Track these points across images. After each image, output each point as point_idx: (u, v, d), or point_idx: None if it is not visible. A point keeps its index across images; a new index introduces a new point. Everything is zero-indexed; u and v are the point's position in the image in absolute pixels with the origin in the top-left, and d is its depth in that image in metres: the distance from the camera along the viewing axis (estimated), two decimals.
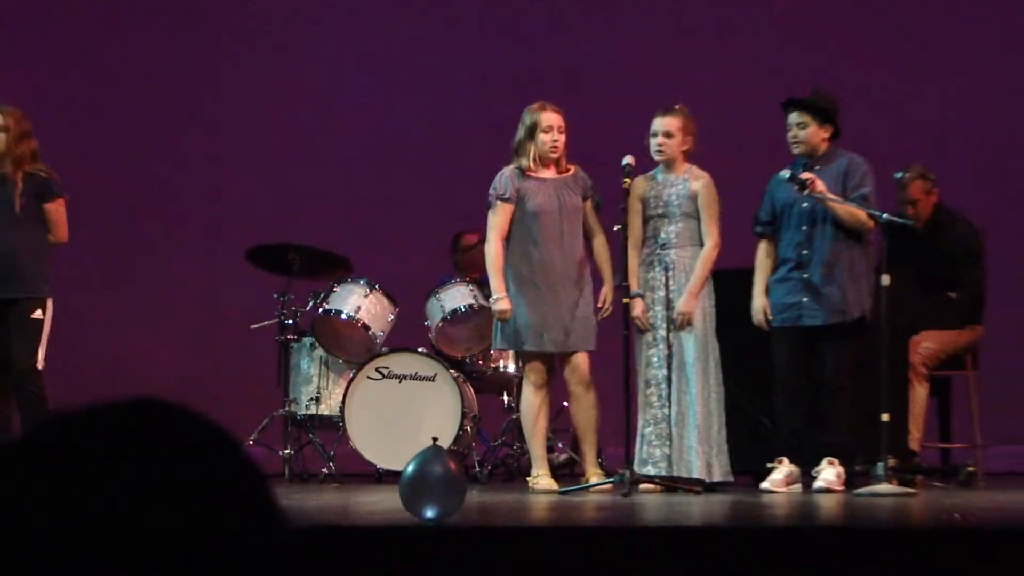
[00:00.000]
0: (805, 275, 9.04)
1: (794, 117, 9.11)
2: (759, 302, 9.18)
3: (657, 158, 9.25)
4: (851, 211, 8.95)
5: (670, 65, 11.92)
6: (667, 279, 9.17)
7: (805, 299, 9.04)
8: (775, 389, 9.17)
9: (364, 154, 12.35)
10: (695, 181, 9.21)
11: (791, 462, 9.02)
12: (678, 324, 9.09)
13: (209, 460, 1.37)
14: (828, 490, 8.79)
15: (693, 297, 9.09)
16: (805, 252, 9.06)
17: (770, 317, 9.13)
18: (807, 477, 9.01)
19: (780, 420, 9.16)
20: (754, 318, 9.18)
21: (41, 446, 1.36)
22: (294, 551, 1.37)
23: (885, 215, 9.07)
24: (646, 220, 9.24)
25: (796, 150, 9.10)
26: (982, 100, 12.06)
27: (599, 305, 9.33)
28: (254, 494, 1.37)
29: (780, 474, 8.97)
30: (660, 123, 9.24)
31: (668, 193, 9.21)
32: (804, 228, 9.06)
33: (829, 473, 8.90)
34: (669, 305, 9.14)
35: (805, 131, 9.07)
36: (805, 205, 9.04)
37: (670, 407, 9.07)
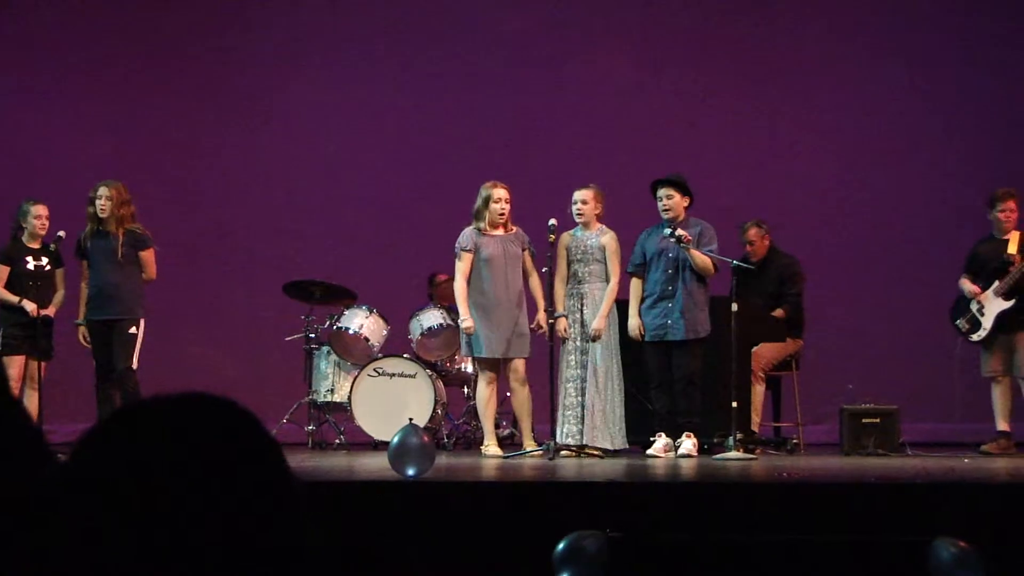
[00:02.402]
0: (669, 304, 9.08)
1: (664, 192, 9.17)
2: (634, 322, 9.19)
3: (577, 220, 9.27)
4: (705, 260, 9.01)
5: (593, 154, 11.92)
6: (582, 306, 9.19)
7: (669, 321, 9.07)
8: (651, 384, 9.20)
9: (367, 215, 12.29)
10: (604, 236, 9.23)
11: (666, 435, 9.04)
12: (591, 338, 9.10)
13: (239, 431, 1.38)
14: (688, 455, 8.81)
15: (603, 319, 9.10)
16: (669, 288, 9.10)
17: (643, 332, 9.16)
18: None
19: (656, 405, 9.18)
20: (630, 333, 9.19)
21: (128, 421, 1.37)
22: (300, 495, 1.38)
23: (735, 261, 9.12)
24: (569, 263, 9.27)
25: (667, 215, 9.14)
26: (816, 168, 12.10)
27: (535, 324, 9.34)
28: (270, 455, 1.38)
29: (660, 443, 8.99)
30: (579, 195, 9.28)
31: (586, 245, 9.23)
32: (669, 271, 9.11)
33: (688, 444, 8.93)
34: (584, 324, 9.15)
35: (672, 201, 9.13)
36: (670, 255, 9.09)
37: (582, 397, 9.08)
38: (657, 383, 9.14)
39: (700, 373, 9.04)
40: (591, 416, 9.02)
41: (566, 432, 9.03)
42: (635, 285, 9.28)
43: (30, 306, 9.42)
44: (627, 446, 9.14)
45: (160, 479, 1.29)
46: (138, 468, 1.30)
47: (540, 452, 8.81)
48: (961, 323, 9.78)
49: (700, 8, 12.51)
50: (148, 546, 1.27)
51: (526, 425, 9.35)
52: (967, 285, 9.78)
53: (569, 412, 9.07)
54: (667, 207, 9.13)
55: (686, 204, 9.17)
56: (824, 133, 12.24)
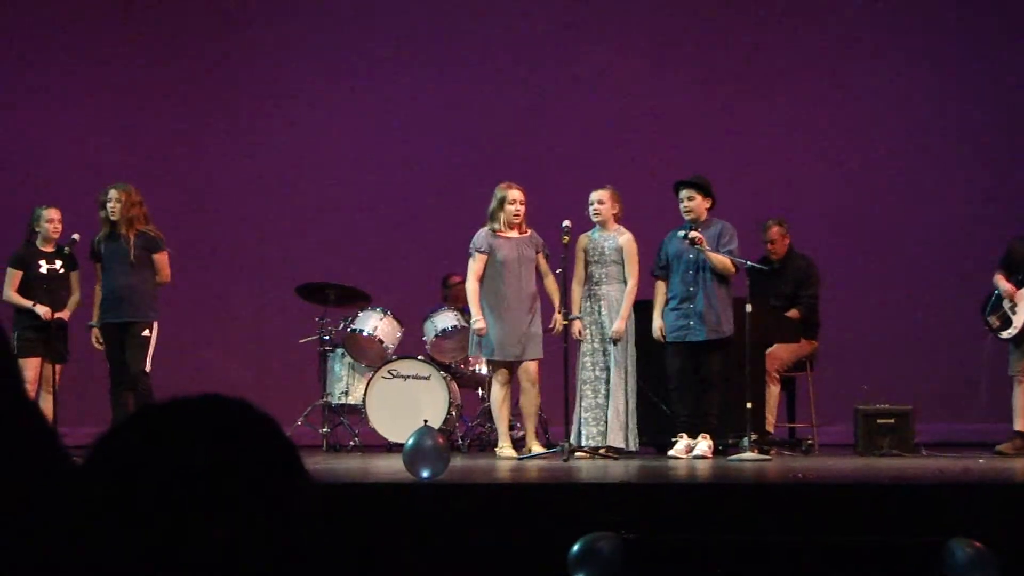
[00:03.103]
0: (691, 305, 9.08)
1: (685, 193, 9.17)
2: (657, 323, 9.20)
3: (594, 219, 9.28)
4: (722, 261, 9.01)
5: (607, 154, 11.92)
6: (600, 308, 9.20)
7: (692, 322, 9.07)
8: (669, 386, 9.20)
9: (380, 217, 12.32)
10: (621, 237, 9.24)
11: (687, 436, 9.04)
12: (612, 341, 9.11)
13: (256, 434, 1.39)
14: (703, 457, 8.84)
15: (623, 321, 9.12)
16: (691, 289, 9.10)
17: (664, 334, 9.16)
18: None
19: (674, 408, 9.18)
20: (654, 334, 9.20)
21: (146, 423, 1.38)
22: (315, 494, 1.39)
23: (748, 262, 9.12)
24: (587, 264, 9.28)
25: (688, 217, 9.15)
26: (831, 169, 12.08)
27: (550, 326, 9.34)
28: (288, 457, 1.40)
29: (681, 444, 9.00)
30: (596, 195, 9.29)
31: (602, 246, 9.24)
32: (690, 272, 9.11)
33: (703, 445, 8.94)
34: (601, 326, 9.17)
35: (693, 203, 9.13)
36: (691, 256, 9.09)
37: (605, 398, 9.09)
38: (677, 385, 9.14)
39: (720, 375, 9.05)
40: (609, 418, 9.04)
41: (586, 434, 9.06)
42: (659, 288, 9.30)
43: (42, 310, 9.45)
44: (638, 447, 9.16)
45: (177, 481, 1.30)
46: (155, 470, 1.31)
47: (554, 454, 8.83)
48: (992, 319, 9.72)
49: (714, 9, 12.50)
50: (165, 548, 1.28)
51: (531, 426, 9.35)
52: (1002, 283, 9.71)
53: (588, 414, 9.09)
54: (688, 208, 9.15)
55: (708, 206, 9.18)
56: (838, 133, 12.23)
